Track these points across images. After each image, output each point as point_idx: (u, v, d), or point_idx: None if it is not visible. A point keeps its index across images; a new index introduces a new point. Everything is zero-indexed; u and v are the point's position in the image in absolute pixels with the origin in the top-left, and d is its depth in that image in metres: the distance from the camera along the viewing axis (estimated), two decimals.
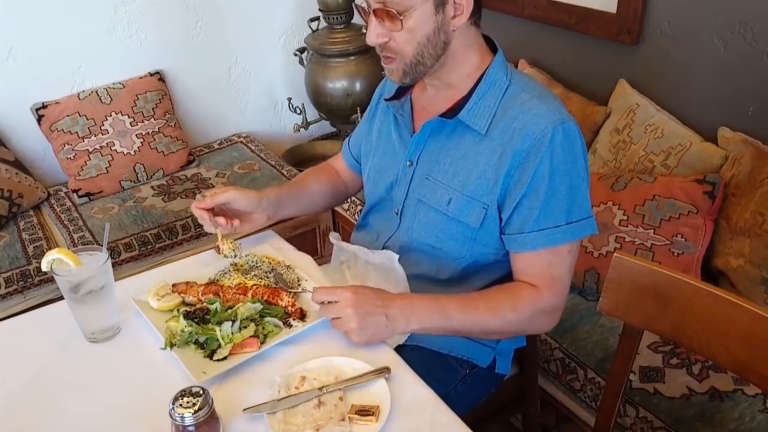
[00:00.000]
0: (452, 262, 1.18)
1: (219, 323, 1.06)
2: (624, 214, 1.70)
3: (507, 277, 1.18)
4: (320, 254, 2.55)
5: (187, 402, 0.83)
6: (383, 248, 1.26)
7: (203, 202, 1.22)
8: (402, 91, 1.26)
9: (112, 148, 2.42)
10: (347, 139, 1.47)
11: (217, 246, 1.24)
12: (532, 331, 1.19)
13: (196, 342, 1.04)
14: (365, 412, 0.90)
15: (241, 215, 1.26)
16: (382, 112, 1.31)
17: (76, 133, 2.39)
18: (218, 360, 1.01)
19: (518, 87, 1.11)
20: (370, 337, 1.02)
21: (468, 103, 1.11)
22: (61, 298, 1.10)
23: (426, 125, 1.16)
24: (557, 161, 1.05)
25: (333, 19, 2.66)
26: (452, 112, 1.13)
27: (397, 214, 1.24)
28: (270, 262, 1.26)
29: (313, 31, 2.76)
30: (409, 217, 1.21)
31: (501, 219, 1.12)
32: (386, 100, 1.27)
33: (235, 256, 1.23)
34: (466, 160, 1.12)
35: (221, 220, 1.22)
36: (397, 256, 1.19)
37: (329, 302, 1.03)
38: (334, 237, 1.38)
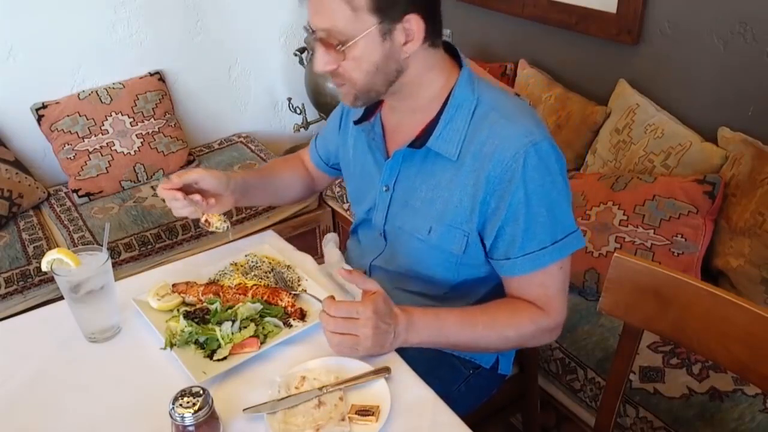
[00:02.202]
0: (442, 283, 1.16)
1: (219, 323, 1.06)
2: (624, 214, 1.70)
3: (502, 287, 1.15)
4: (320, 254, 2.53)
5: (187, 402, 0.83)
6: (370, 266, 1.25)
7: (171, 182, 1.15)
8: (370, 111, 1.21)
9: (112, 148, 2.42)
10: (314, 140, 1.43)
11: (206, 221, 1.17)
12: (532, 345, 1.17)
13: (196, 342, 1.04)
14: (365, 412, 0.90)
15: (211, 196, 1.19)
16: (354, 129, 1.25)
17: (76, 133, 2.39)
18: (218, 360, 1.01)
19: (487, 106, 1.06)
20: (373, 353, 1.00)
21: (436, 129, 1.07)
22: (61, 298, 1.10)
23: (397, 153, 1.13)
24: (533, 185, 1.01)
25: None
26: (421, 139, 1.09)
27: (381, 235, 1.22)
28: (270, 262, 1.26)
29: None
30: (393, 244, 1.19)
31: (484, 245, 1.10)
32: (355, 123, 1.21)
33: (227, 229, 1.18)
34: (441, 188, 1.09)
35: (197, 197, 1.15)
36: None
37: (344, 317, 0.97)
38: (329, 246, 1.36)
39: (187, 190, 1.16)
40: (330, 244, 1.36)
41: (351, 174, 1.30)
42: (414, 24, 0.99)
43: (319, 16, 1.00)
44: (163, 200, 1.16)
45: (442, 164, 1.08)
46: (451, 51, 1.12)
